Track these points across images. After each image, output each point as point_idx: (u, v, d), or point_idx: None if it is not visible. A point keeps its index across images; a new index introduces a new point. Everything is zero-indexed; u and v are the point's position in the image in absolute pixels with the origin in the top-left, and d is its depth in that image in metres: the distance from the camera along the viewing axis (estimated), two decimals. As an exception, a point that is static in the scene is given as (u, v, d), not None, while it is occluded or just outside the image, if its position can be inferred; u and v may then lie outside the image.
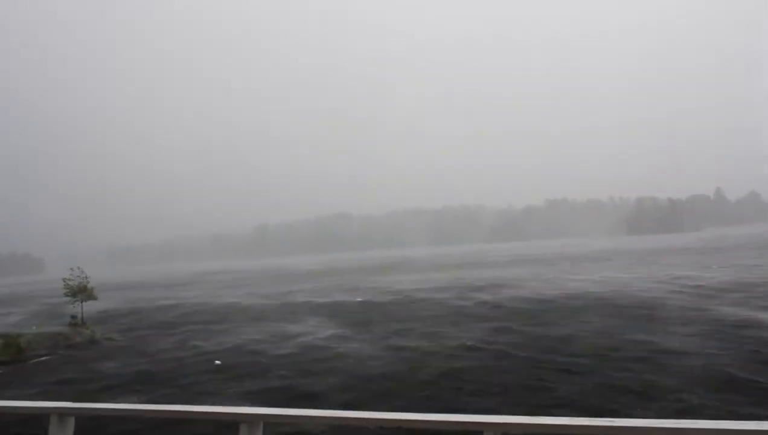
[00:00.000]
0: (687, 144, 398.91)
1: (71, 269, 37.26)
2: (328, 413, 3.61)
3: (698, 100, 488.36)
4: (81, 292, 35.90)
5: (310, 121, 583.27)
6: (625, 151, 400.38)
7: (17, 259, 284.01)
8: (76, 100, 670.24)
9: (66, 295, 36.22)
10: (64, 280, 36.43)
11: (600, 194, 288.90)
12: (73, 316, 34.87)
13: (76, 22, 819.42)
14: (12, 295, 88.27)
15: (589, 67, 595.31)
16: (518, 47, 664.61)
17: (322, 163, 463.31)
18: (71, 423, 4.01)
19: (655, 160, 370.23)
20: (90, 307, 38.28)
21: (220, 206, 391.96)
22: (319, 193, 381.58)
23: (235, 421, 3.71)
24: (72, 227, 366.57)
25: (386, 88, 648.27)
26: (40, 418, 3.95)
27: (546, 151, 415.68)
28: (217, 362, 21.61)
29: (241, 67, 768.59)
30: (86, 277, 36.84)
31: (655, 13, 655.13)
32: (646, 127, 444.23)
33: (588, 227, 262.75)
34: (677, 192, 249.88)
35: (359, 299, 43.64)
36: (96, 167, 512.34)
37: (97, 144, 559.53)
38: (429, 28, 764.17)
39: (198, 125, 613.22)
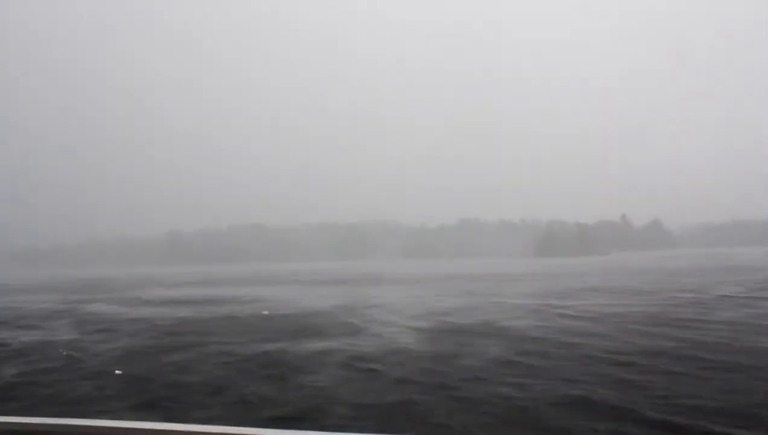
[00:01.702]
0: (596, 171, 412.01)
1: None
2: (104, 423, 3.24)
3: (607, 131, 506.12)
4: None
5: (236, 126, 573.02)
6: (537, 174, 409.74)
7: None
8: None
9: None
10: None
11: (512, 216, 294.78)
12: None
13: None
14: None
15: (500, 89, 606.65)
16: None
17: (242, 171, 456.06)
18: None
19: (565, 185, 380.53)
20: None
21: (132, 209, 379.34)
22: (236, 201, 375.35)
23: None
24: None
25: (312, 98, 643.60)
26: None
27: (462, 171, 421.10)
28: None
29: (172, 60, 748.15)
30: None
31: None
32: (558, 152, 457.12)
33: (498, 248, 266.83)
34: (586, 217, 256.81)
35: None
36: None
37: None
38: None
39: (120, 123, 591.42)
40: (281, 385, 17.55)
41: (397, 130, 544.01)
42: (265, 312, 39.69)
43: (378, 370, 19.20)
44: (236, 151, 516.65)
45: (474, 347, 23.16)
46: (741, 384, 16.00)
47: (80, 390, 17.69)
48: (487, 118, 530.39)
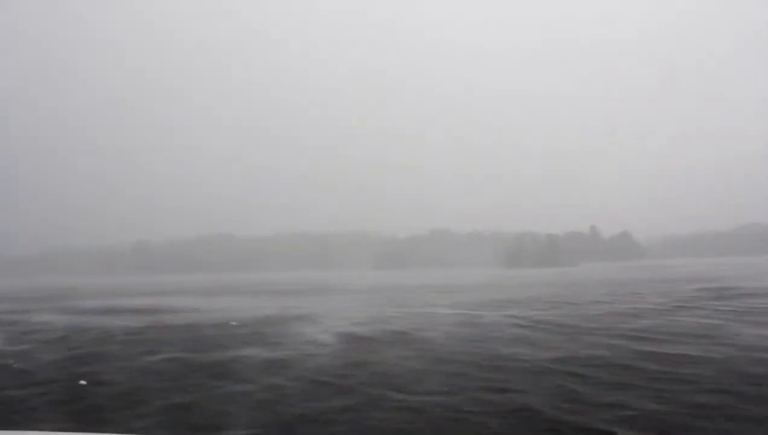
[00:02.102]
0: (566, 182, 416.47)
1: None
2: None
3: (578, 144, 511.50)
4: None
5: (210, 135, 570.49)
6: (510, 186, 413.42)
7: None
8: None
9: None
10: None
11: (483, 227, 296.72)
12: None
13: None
14: None
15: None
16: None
17: (211, 179, 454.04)
18: None
19: (536, 197, 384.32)
20: None
21: (101, 217, 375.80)
22: (206, 211, 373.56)
23: None
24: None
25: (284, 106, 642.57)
26: None
27: (432, 181, 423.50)
28: None
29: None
30: None
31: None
32: (529, 163, 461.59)
33: (469, 259, 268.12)
34: (556, 228, 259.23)
35: None
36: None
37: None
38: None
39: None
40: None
41: (369, 140, 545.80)
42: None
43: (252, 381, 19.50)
44: (207, 161, 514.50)
45: (360, 355, 23.60)
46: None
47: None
48: (460, 132, 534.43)
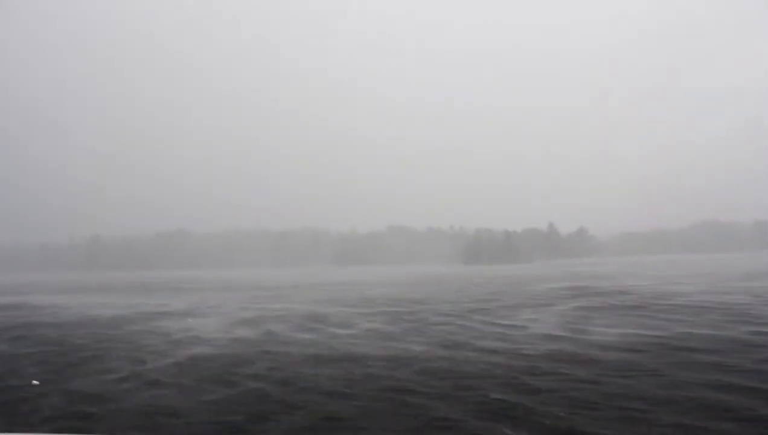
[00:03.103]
0: (524, 178, 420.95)
1: None
2: None
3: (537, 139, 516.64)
4: None
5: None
6: (467, 182, 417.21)
7: None
8: None
9: None
10: None
11: (441, 223, 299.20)
12: None
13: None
14: None
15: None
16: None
17: (165, 175, 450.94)
18: None
19: (494, 194, 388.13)
20: None
21: (51, 212, 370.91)
22: (161, 207, 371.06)
23: None
24: None
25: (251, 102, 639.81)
26: None
27: (390, 177, 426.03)
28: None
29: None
30: None
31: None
32: (488, 158, 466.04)
33: (428, 255, 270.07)
34: (513, 225, 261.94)
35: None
36: None
37: None
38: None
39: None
40: None
41: (325, 135, 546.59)
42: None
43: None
44: (166, 155, 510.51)
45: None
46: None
47: None
48: (421, 130, 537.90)
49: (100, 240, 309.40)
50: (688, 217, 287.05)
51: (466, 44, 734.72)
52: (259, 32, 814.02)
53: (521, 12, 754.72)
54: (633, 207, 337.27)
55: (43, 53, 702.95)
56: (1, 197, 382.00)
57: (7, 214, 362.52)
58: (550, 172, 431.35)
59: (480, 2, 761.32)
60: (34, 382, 18.89)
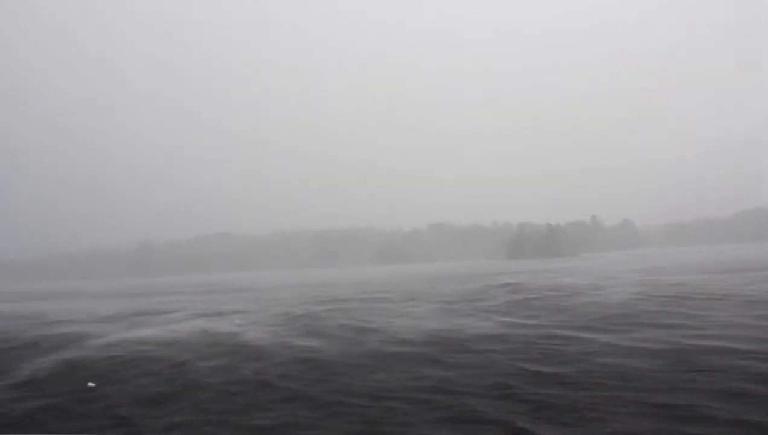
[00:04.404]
0: (566, 172, 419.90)
1: None
2: None
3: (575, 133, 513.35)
4: None
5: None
6: (509, 177, 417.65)
7: None
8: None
9: None
10: None
11: (483, 219, 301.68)
12: None
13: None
14: None
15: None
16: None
17: (208, 181, 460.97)
18: None
19: (536, 187, 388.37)
20: None
21: (99, 221, 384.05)
22: (203, 211, 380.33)
23: None
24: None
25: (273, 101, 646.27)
26: None
27: (429, 174, 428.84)
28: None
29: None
30: None
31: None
32: (528, 154, 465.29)
33: (470, 251, 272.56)
34: (556, 218, 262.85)
35: None
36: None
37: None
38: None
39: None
40: None
41: (366, 135, 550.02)
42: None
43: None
44: (205, 160, 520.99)
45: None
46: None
47: None
48: (457, 124, 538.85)
49: (149, 245, 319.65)
50: (733, 205, 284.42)
51: (508, 30, 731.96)
52: (289, 34, 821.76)
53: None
54: (676, 197, 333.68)
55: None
56: (52, 207, 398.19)
57: (54, 223, 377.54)
58: (590, 164, 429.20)
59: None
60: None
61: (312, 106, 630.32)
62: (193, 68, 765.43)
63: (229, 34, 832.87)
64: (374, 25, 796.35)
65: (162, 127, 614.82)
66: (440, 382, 18.00)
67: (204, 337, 30.95)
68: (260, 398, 17.17)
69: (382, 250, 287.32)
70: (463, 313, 37.17)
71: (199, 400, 17.33)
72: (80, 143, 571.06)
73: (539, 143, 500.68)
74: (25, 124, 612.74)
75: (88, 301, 77.79)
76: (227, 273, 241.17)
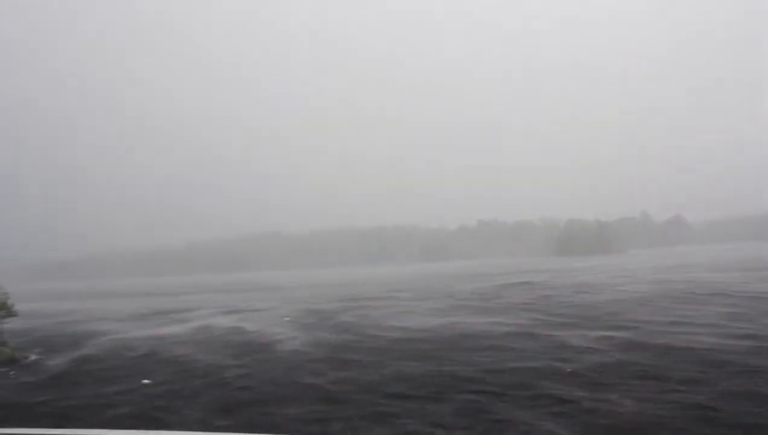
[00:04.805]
0: (613, 167, 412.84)
1: None
2: (79, 432, 4.49)
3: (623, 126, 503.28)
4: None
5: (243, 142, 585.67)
6: (558, 173, 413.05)
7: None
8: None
9: None
10: None
11: (530, 216, 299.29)
12: None
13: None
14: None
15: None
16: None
17: (255, 182, 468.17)
18: None
19: (585, 183, 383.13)
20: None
21: (152, 220, 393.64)
22: (252, 211, 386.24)
23: None
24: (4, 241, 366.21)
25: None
26: None
27: (478, 171, 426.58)
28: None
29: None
30: (5, 293, 35.10)
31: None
32: (575, 149, 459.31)
33: (518, 248, 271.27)
34: (605, 214, 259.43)
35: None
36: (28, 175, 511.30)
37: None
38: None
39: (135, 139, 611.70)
40: None
41: (412, 134, 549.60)
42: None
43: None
44: (252, 161, 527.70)
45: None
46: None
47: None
48: (501, 120, 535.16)
49: (195, 244, 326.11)
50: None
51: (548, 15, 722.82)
52: (322, 30, 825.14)
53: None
54: (734, 190, 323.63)
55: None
56: (98, 207, 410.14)
57: (100, 221, 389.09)
58: (640, 159, 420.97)
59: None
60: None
61: (352, 104, 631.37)
62: (234, 76, 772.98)
63: (275, 35, 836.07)
64: (403, 15, 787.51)
65: (207, 135, 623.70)
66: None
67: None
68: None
69: (428, 247, 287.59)
70: (461, 312, 38.58)
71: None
72: (125, 149, 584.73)
73: (586, 135, 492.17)
74: (67, 127, 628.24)
75: (126, 299, 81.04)
76: (273, 271, 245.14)
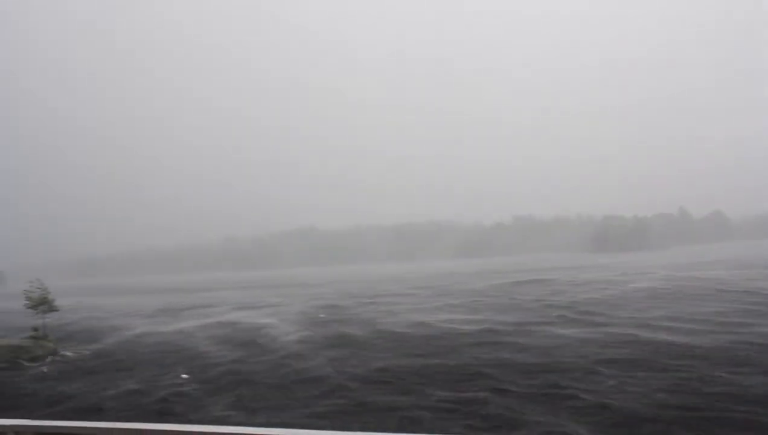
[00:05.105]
0: (651, 162, 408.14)
1: (30, 282, 38.73)
2: (109, 425, 3.64)
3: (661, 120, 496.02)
4: (42, 304, 36.78)
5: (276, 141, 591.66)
6: (594, 168, 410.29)
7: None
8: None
9: (27, 307, 37.12)
10: (24, 292, 37.82)
11: (567, 212, 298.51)
12: (35, 328, 35.41)
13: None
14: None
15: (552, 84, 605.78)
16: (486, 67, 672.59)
17: (299, 181, 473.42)
18: None
19: (621, 179, 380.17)
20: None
21: (188, 218, 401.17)
22: (285, 207, 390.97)
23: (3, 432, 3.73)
24: (40, 239, 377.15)
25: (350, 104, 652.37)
26: None
27: (514, 168, 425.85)
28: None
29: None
30: (47, 289, 37.61)
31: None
32: (613, 145, 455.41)
33: (553, 244, 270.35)
34: (642, 210, 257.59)
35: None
36: (62, 177, 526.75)
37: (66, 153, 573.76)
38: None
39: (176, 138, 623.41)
40: None
41: (446, 132, 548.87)
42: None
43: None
44: (284, 160, 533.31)
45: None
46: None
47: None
48: (536, 119, 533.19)
49: (234, 240, 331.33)
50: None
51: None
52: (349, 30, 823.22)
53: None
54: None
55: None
56: (141, 207, 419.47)
57: (138, 221, 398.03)
58: (679, 156, 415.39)
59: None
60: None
61: (389, 103, 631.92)
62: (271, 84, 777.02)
63: (313, 35, 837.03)
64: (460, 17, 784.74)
65: (240, 135, 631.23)
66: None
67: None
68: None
69: (462, 244, 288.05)
70: (462, 309, 41.06)
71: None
72: (159, 150, 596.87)
73: (619, 130, 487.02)
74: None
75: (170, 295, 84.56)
76: (306, 267, 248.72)
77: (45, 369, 27.62)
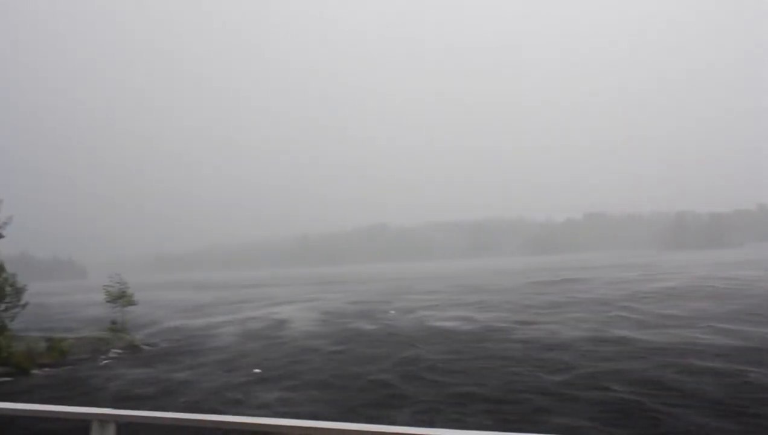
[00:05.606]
0: (726, 157, 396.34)
1: (110, 276, 41.09)
2: (187, 416, 3.68)
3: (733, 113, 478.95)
4: (120, 298, 38.76)
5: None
6: (666, 163, 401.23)
7: (61, 265, 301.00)
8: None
9: (106, 301, 39.08)
10: (104, 286, 39.68)
11: (640, 208, 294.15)
12: (113, 322, 37.29)
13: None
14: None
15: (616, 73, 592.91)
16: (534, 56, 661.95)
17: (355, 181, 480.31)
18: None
19: (695, 173, 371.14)
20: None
21: (260, 215, 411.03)
22: (357, 204, 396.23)
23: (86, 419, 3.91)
24: (118, 234, 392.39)
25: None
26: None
27: (583, 163, 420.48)
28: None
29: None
30: (126, 284, 39.72)
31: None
32: (684, 139, 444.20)
33: (625, 241, 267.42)
34: (718, 206, 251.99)
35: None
36: (142, 173, 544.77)
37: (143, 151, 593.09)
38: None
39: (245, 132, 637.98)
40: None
41: (516, 127, 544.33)
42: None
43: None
44: (353, 156, 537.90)
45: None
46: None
47: None
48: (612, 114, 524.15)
49: (309, 238, 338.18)
50: None
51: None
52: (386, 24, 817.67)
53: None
54: None
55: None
56: (220, 204, 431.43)
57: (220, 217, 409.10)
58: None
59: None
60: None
61: (449, 98, 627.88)
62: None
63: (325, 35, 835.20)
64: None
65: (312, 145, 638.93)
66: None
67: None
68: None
69: (535, 240, 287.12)
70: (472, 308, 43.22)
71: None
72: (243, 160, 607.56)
73: (697, 126, 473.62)
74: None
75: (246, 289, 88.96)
76: (377, 264, 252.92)
77: (121, 359, 30.52)
